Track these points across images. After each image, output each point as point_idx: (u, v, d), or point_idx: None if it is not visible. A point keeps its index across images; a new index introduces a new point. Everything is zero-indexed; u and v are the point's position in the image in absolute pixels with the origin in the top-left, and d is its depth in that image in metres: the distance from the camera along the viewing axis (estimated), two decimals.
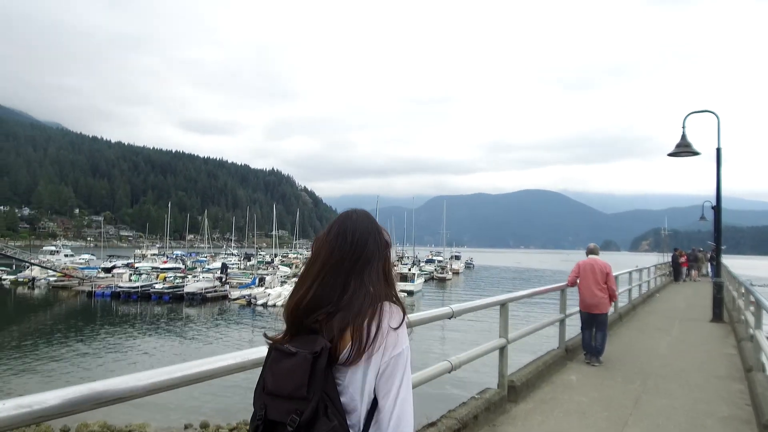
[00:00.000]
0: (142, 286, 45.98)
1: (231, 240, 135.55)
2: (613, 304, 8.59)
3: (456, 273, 77.42)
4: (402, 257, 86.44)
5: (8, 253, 49.93)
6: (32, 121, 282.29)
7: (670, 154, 10.75)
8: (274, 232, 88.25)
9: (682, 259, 26.72)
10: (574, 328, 7.69)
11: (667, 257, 32.67)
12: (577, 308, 7.63)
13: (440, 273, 68.97)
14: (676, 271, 25.64)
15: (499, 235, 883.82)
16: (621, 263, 24.95)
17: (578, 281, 7.41)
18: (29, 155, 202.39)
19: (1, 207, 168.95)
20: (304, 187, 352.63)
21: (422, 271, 68.11)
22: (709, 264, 28.33)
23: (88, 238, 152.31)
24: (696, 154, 10.60)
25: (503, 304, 5.01)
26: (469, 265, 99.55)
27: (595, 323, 7.37)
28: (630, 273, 12.54)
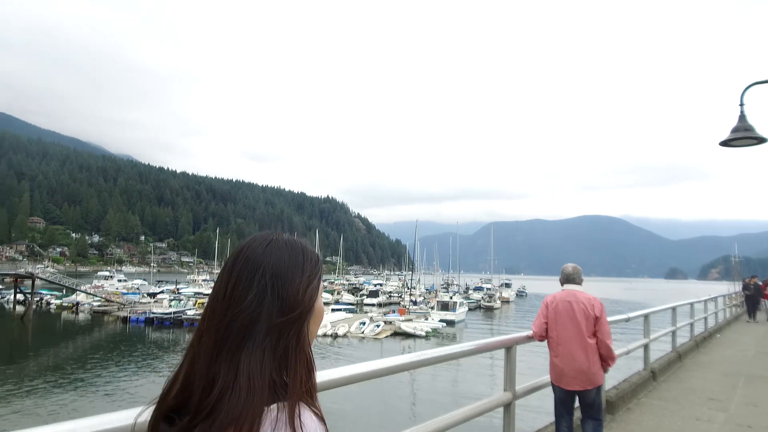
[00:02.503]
0: (174, 312, 45.41)
1: None
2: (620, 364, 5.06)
3: (506, 301, 72.97)
4: (449, 285, 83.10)
5: (49, 278, 50.92)
6: (105, 154, 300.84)
7: (723, 143, 7.65)
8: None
9: None
10: (538, 407, 4.75)
11: (738, 286, 27.44)
12: (542, 378, 4.55)
13: (488, 301, 65.00)
14: (751, 305, 19.96)
15: (557, 262, 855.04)
16: (689, 292, 20.70)
17: (547, 332, 4.44)
18: (100, 185, 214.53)
19: (74, 234, 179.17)
20: (358, 213, 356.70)
21: (469, 299, 64.67)
22: None
23: (152, 264, 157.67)
24: (762, 140, 7.46)
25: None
26: (521, 294, 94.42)
27: (580, 407, 4.38)
28: (673, 309, 9.17)
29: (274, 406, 0.83)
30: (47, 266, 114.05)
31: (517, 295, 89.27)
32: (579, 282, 4.51)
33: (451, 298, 53.99)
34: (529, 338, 4.39)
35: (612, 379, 6.54)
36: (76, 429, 1.48)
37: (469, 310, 57.06)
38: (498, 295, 71.16)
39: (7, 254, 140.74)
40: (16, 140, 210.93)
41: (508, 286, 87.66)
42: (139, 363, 27.92)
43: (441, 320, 44.58)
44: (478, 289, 77.72)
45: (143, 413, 0.93)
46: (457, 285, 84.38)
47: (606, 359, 4.29)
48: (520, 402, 3.97)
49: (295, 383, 0.86)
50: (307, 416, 0.84)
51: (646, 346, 7.40)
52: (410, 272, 75.36)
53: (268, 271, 0.91)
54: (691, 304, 10.66)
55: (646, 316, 7.45)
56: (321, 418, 0.86)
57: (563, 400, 4.35)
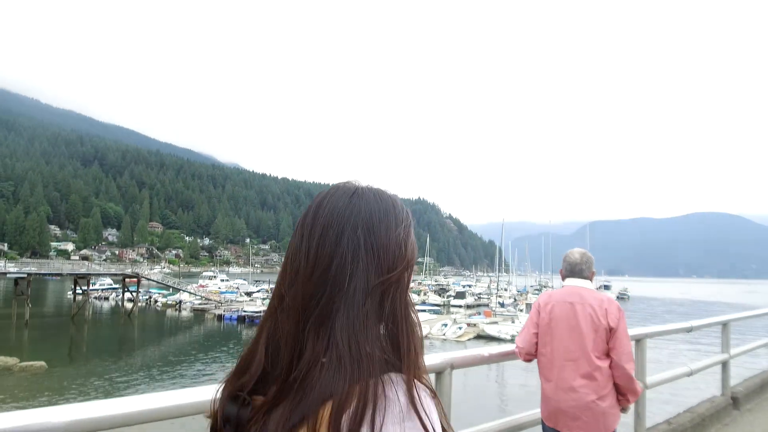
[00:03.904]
0: (264, 311, 47.25)
1: None
2: (633, 404, 3.31)
3: None
4: (543, 286, 79.09)
5: (153, 278, 55.21)
6: (214, 163, 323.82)
7: None
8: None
9: None
10: None
11: None
12: (531, 411, 3.24)
13: None
14: None
15: (666, 263, 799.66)
16: None
17: (537, 347, 3.11)
18: (210, 192, 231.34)
19: (187, 238, 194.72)
20: (449, 214, 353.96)
21: None
22: None
23: (256, 265, 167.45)
24: None
25: None
26: (622, 296, 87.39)
27: None
28: None
29: (387, 379, 0.69)
30: (163, 267, 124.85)
31: (617, 297, 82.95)
32: (588, 276, 3.13)
33: None
34: (495, 357, 3.18)
35: (666, 408, 5.09)
36: (146, 403, 1.55)
37: None
38: None
39: (130, 256, 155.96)
40: (138, 153, 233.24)
41: (607, 288, 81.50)
42: (227, 357, 29.03)
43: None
44: None
45: (219, 390, 0.79)
46: (551, 287, 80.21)
47: (625, 392, 2.88)
48: None
49: (409, 356, 0.73)
50: (425, 398, 0.70)
51: (724, 364, 5.73)
52: (498, 274, 72.69)
53: (360, 223, 0.77)
54: None
55: (724, 324, 5.78)
56: (435, 395, 0.73)
57: None
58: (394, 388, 0.67)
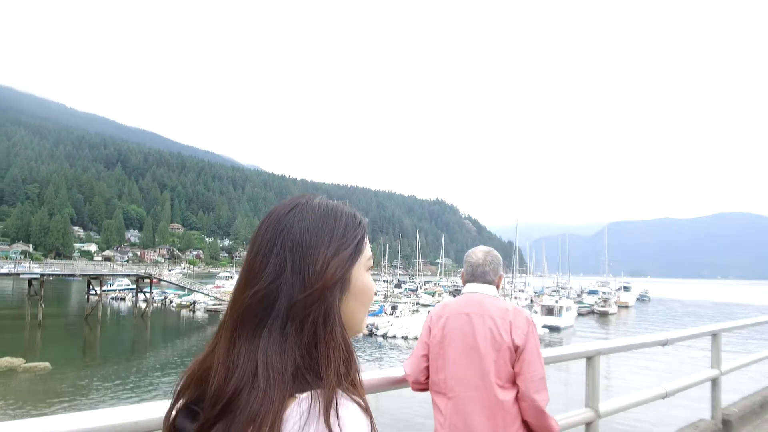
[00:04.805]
0: None
1: (397, 267, 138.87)
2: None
3: (624, 306, 66.21)
4: (561, 288, 77.65)
5: (166, 279, 55.54)
6: (234, 164, 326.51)
7: None
8: (417, 259, 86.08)
9: None
10: None
11: None
12: None
13: (602, 306, 59.25)
14: None
15: (690, 264, 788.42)
16: None
17: (429, 371, 2.40)
18: (230, 194, 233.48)
19: (208, 239, 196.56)
20: (468, 215, 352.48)
21: (581, 303, 59.71)
22: None
23: None
24: None
25: None
26: (642, 298, 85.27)
27: None
28: None
29: (306, 395, 0.68)
30: (183, 268, 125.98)
31: (637, 299, 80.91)
32: (493, 280, 2.46)
33: (557, 301, 50.14)
34: (400, 382, 2.55)
35: None
36: (103, 418, 1.42)
37: (580, 315, 52.83)
38: (615, 299, 64.94)
39: (152, 257, 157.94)
40: (160, 155, 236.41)
41: (626, 289, 79.43)
42: None
43: (544, 326, 41.61)
44: (592, 292, 71.43)
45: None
46: (569, 288, 78.76)
47: (536, 430, 2.24)
48: None
49: (329, 373, 0.71)
50: (347, 408, 0.69)
51: (714, 382, 4.97)
52: (513, 275, 71.64)
53: (288, 240, 0.76)
54: None
55: (714, 335, 5.03)
56: (366, 410, 0.70)
57: None
58: (318, 405, 0.67)
